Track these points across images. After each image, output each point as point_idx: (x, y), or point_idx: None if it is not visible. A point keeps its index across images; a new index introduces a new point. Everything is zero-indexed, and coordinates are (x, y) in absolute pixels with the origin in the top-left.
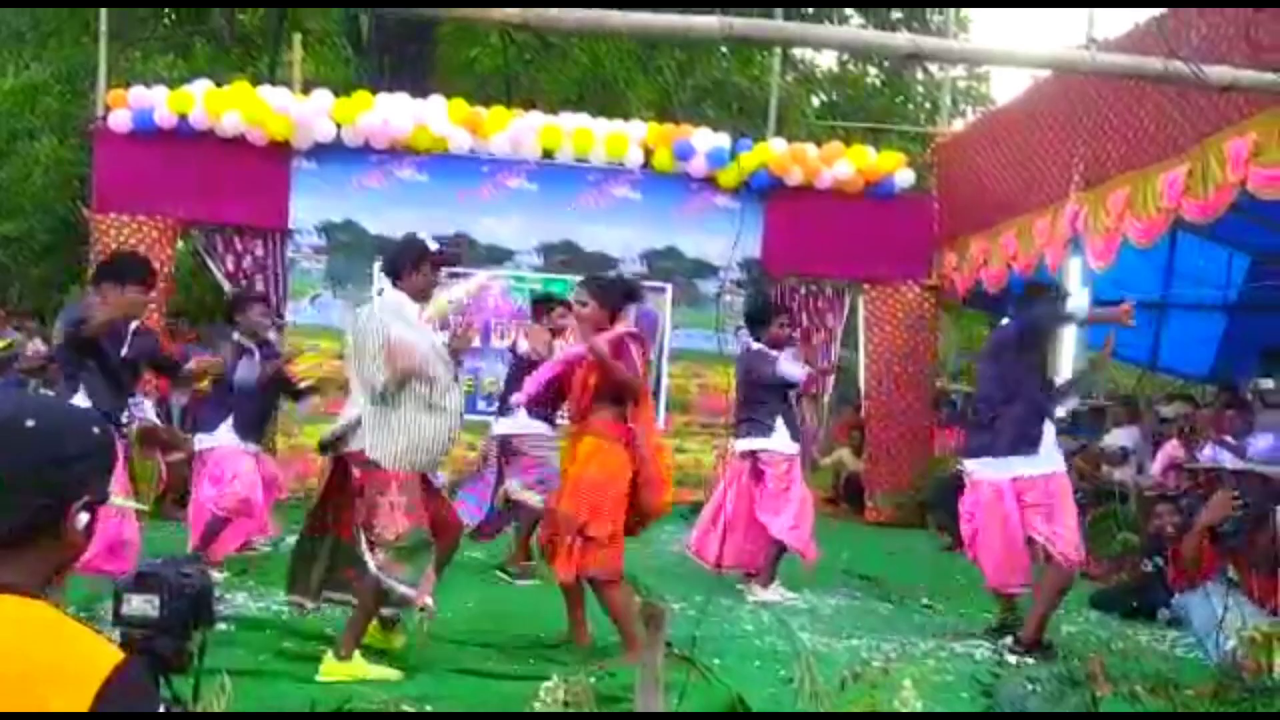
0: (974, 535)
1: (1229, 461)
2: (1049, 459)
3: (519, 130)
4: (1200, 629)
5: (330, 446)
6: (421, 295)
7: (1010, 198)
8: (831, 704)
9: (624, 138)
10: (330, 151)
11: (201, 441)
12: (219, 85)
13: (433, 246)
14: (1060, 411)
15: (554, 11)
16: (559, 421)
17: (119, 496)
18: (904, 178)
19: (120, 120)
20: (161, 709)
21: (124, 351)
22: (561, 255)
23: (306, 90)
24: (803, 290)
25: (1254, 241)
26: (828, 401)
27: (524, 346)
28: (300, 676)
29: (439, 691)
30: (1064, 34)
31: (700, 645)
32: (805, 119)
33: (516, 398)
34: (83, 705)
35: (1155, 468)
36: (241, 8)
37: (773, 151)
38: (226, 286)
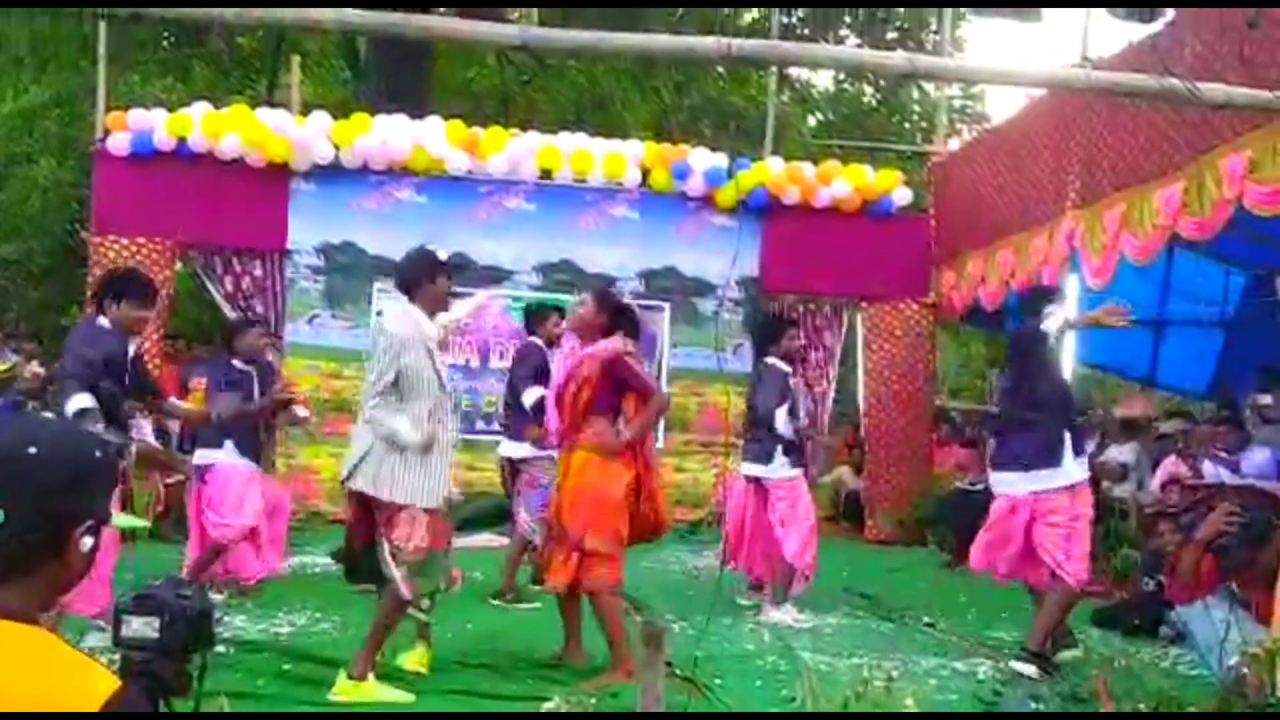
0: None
1: (1228, 477)
2: (1069, 470)
3: (516, 151)
4: (1202, 645)
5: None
6: (437, 307)
7: (1007, 215)
8: None
9: (621, 158)
10: (328, 173)
11: (203, 457)
12: (217, 108)
13: (442, 256)
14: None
15: (553, 33)
16: None
17: (121, 515)
18: (901, 196)
19: (119, 143)
20: None
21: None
22: (560, 275)
23: (305, 112)
24: (800, 309)
25: (1251, 258)
26: (826, 419)
27: (529, 399)
28: (300, 699)
29: (440, 712)
30: (1059, 53)
31: (701, 665)
32: (802, 138)
33: (533, 430)
34: None
35: (1155, 484)
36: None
37: (770, 171)
38: (225, 308)
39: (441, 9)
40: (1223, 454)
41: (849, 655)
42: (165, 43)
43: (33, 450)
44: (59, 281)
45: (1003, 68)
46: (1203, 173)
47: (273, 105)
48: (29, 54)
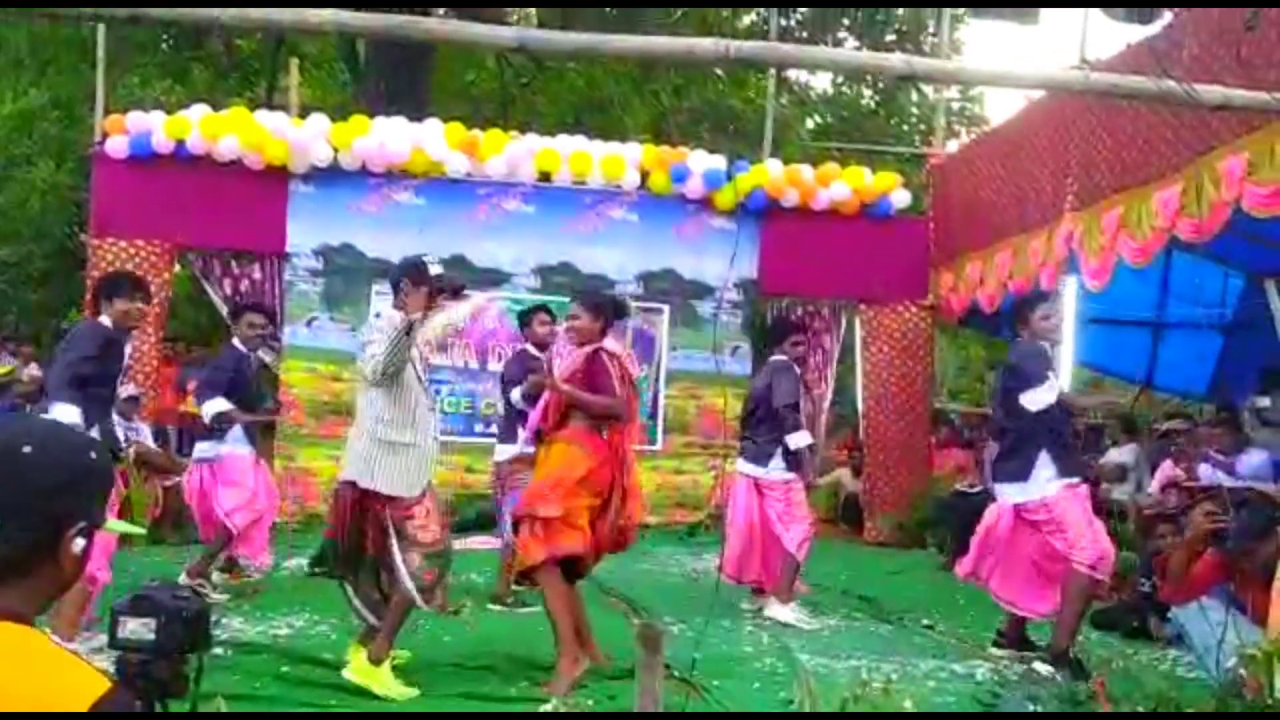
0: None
1: (1224, 479)
2: (1039, 485)
3: (515, 153)
4: (1199, 646)
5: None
6: (416, 311)
7: (1005, 218)
8: None
9: (620, 160)
10: (327, 175)
11: (210, 449)
12: (216, 110)
13: (434, 270)
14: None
15: (551, 34)
16: None
17: (116, 521)
18: (899, 198)
19: (118, 145)
20: None
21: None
22: (559, 277)
23: (303, 115)
24: (799, 311)
25: (1249, 260)
26: (825, 421)
27: (516, 395)
28: (299, 701)
29: (440, 712)
30: (1057, 55)
31: (699, 667)
32: (800, 141)
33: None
34: None
35: (1153, 486)
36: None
37: (768, 173)
38: (224, 310)
39: (442, 10)
40: (1219, 456)
41: (847, 657)
42: (164, 45)
43: (27, 450)
44: (58, 285)
45: (1001, 70)
46: (1201, 175)
47: (271, 108)
48: (28, 56)
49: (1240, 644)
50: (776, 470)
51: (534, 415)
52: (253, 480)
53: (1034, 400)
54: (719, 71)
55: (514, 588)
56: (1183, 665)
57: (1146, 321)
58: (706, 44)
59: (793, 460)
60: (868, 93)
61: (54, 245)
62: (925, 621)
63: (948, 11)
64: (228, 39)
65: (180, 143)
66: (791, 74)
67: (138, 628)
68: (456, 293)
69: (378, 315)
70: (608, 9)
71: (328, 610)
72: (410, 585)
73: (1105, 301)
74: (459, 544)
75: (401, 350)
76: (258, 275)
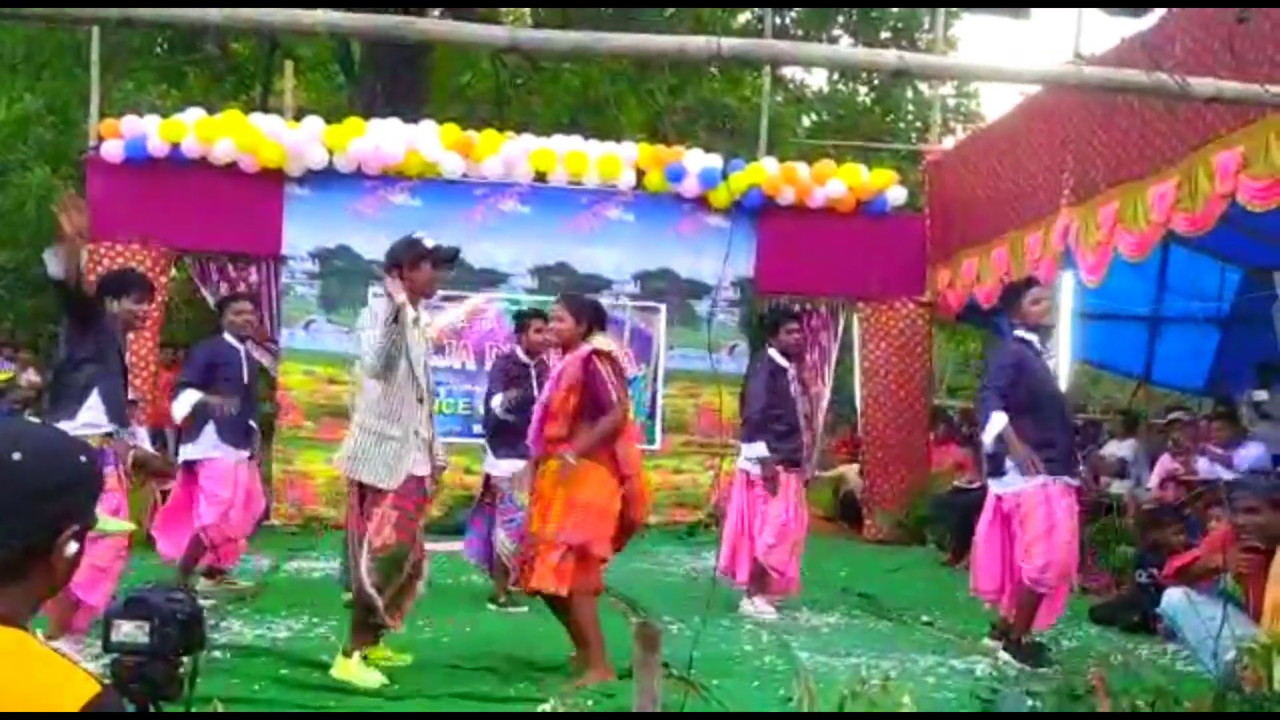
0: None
1: (1222, 473)
2: (1013, 480)
3: (511, 153)
4: (1192, 639)
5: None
6: (421, 293)
7: (1002, 214)
8: None
9: (616, 159)
10: (323, 178)
11: (188, 452)
12: (211, 113)
13: (429, 244)
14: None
15: (543, 34)
16: None
17: (109, 519)
18: (896, 195)
19: (113, 149)
20: None
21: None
22: (555, 278)
23: (298, 117)
24: (796, 309)
25: (1246, 254)
26: (824, 421)
27: (497, 402)
28: (296, 703)
29: (440, 712)
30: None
31: (698, 665)
32: (796, 138)
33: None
34: None
35: (1152, 480)
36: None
37: (765, 171)
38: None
39: (437, 11)
40: (1217, 450)
41: (847, 654)
42: (159, 49)
43: (17, 456)
44: (54, 291)
45: (995, 65)
46: (1196, 169)
47: (267, 111)
48: (22, 61)
49: (1236, 638)
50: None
51: (535, 426)
52: (231, 490)
53: (989, 433)
54: (714, 70)
55: (510, 589)
56: (1181, 659)
57: (1144, 316)
58: (698, 42)
59: (782, 451)
60: (863, 90)
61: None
62: (924, 618)
63: (942, 8)
64: (222, 42)
65: (175, 146)
66: (787, 72)
67: (132, 631)
68: (452, 260)
69: (375, 295)
70: (602, 9)
71: (326, 613)
72: (366, 582)
73: (1102, 296)
74: (446, 547)
75: (393, 337)
76: (254, 278)
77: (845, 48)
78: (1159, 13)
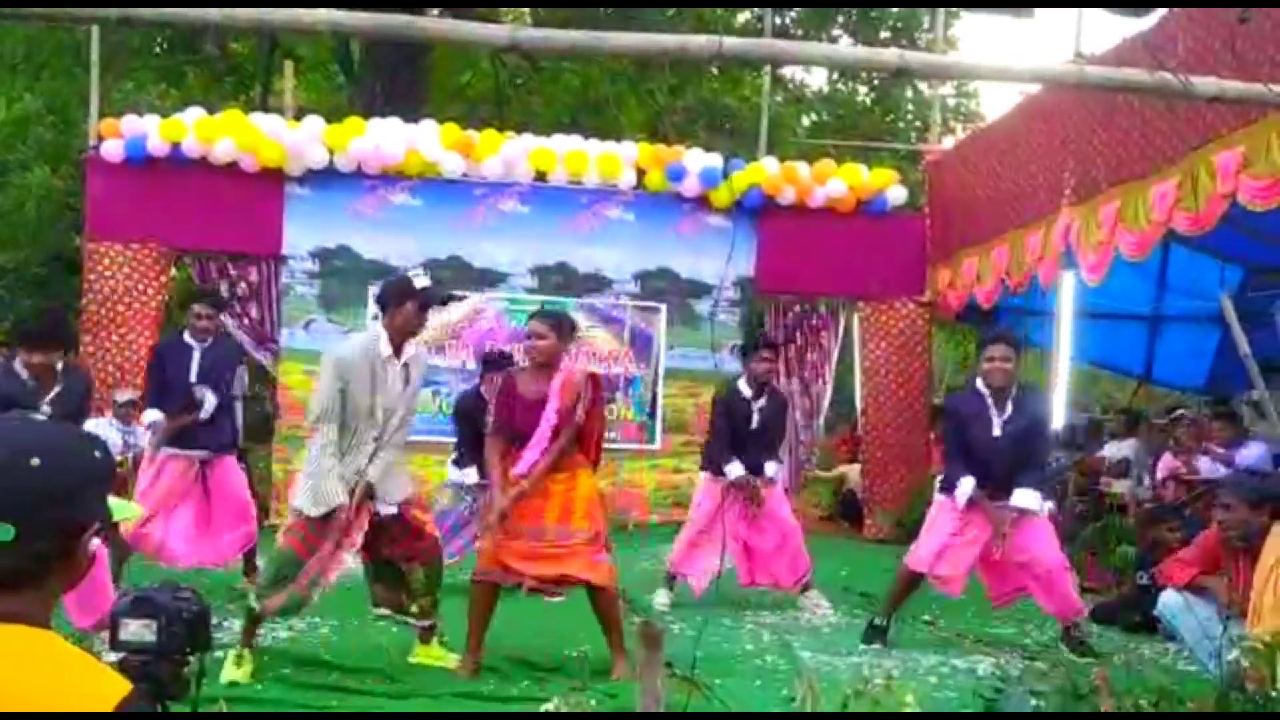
0: None
1: (1224, 472)
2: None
3: (511, 153)
4: (1189, 639)
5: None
6: (402, 333)
7: (1002, 213)
8: None
9: (617, 159)
10: (323, 177)
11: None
12: (211, 113)
13: (420, 284)
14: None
15: (544, 33)
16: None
17: (119, 504)
18: (896, 195)
19: (113, 149)
20: None
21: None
22: (556, 277)
23: (299, 117)
24: (797, 308)
25: (1246, 254)
26: (824, 421)
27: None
28: (299, 703)
29: (440, 712)
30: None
31: (700, 665)
32: (796, 138)
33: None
34: None
35: (1156, 478)
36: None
37: (765, 171)
38: (221, 314)
39: (436, 10)
40: (1218, 450)
41: (849, 654)
42: (158, 49)
43: (35, 462)
44: (54, 290)
45: (996, 64)
46: (1197, 168)
47: (266, 110)
48: (22, 61)
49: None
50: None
51: (537, 448)
52: (149, 483)
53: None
54: (714, 70)
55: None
56: (1183, 659)
57: (1144, 315)
58: (700, 40)
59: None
60: (863, 90)
61: (50, 250)
62: (926, 617)
63: (942, 7)
64: (222, 42)
65: (175, 146)
66: (786, 72)
67: (139, 629)
68: (445, 303)
69: (375, 318)
70: (602, 9)
71: (327, 612)
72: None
73: (1103, 296)
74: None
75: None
76: (254, 278)
77: (847, 47)
78: (1160, 12)
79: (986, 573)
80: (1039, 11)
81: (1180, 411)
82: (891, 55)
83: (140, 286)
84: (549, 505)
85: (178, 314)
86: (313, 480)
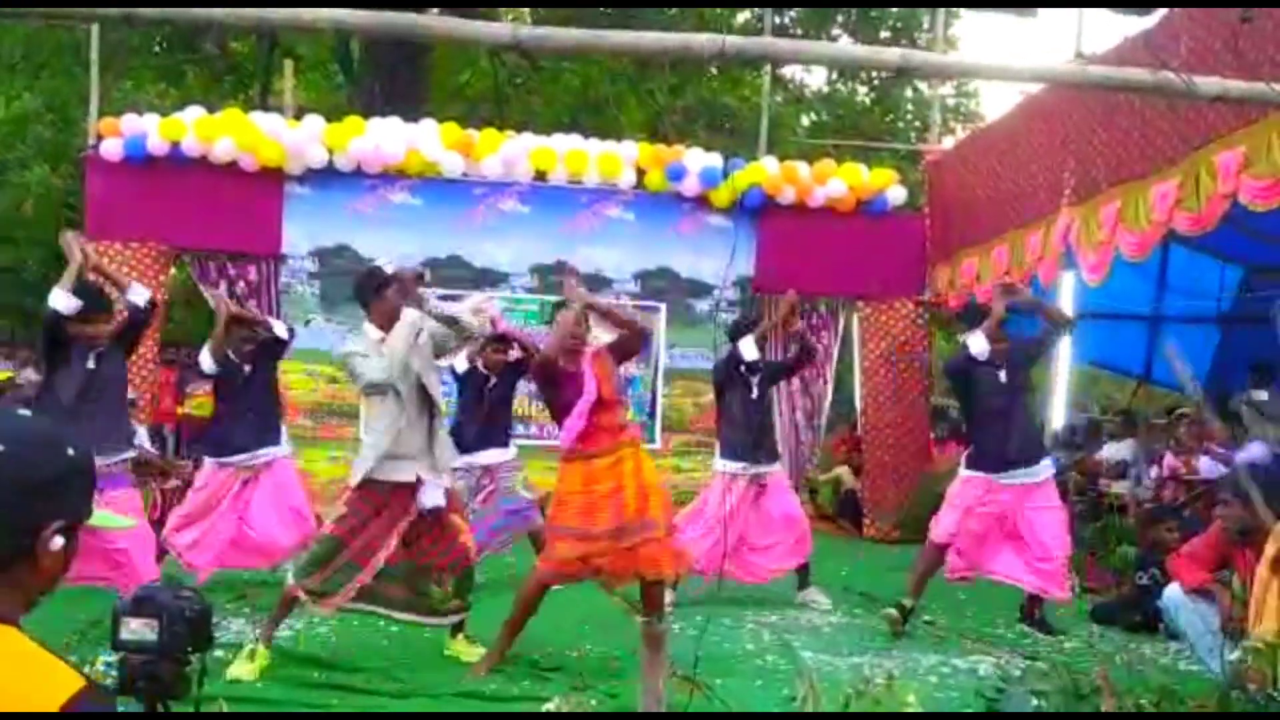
0: None
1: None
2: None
3: (511, 152)
4: (1191, 636)
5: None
6: (389, 319)
7: (1002, 213)
8: None
9: (617, 159)
10: (323, 176)
11: (266, 455)
12: (211, 112)
13: (389, 270)
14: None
15: (545, 31)
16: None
17: (109, 515)
18: (896, 195)
19: (112, 148)
20: None
21: None
22: (555, 277)
23: (298, 116)
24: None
25: (1246, 253)
26: (825, 421)
27: (462, 365)
28: (300, 702)
29: (441, 712)
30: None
31: (702, 665)
32: (796, 138)
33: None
34: None
35: (1155, 476)
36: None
37: (765, 171)
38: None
39: (436, 10)
40: (1218, 450)
41: (849, 654)
42: (158, 48)
43: (0, 449)
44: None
45: (998, 63)
46: (1198, 168)
47: (266, 109)
48: (21, 60)
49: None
50: (717, 462)
51: (578, 424)
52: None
53: None
54: (714, 70)
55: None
56: (1184, 659)
57: (1144, 316)
58: (702, 39)
59: (728, 447)
60: (863, 90)
61: (49, 249)
62: (927, 617)
63: (943, 7)
64: (221, 41)
65: (175, 145)
66: (786, 72)
67: (140, 628)
68: (419, 278)
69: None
70: (602, 9)
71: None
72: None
73: (1103, 296)
74: None
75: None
76: (253, 277)
77: (849, 46)
78: (1161, 11)
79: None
80: (1040, 11)
81: (1179, 411)
82: (894, 54)
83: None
84: (626, 490)
85: (177, 313)
86: (361, 453)
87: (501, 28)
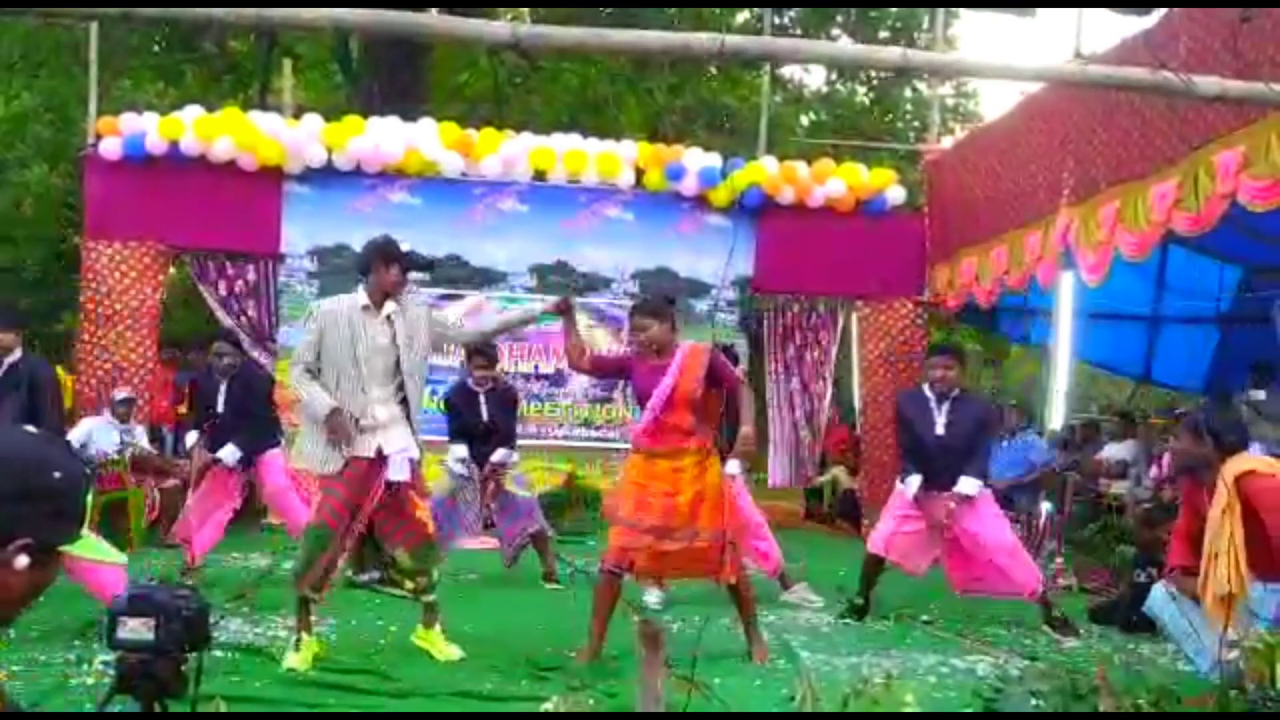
0: None
1: None
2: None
3: (510, 152)
4: (1176, 633)
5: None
6: (382, 294)
7: (1001, 213)
8: None
9: (616, 158)
10: (322, 176)
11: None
12: (210, 111)
13: (405, 248)
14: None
15: (545, 30)
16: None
17: (99, 546)
18: (895, 195)
19: (111, 147)
20: None
21: None
22: (555, 276)
23: (297, 115)
24: (796, 308)
25: (1245, 254)
26: (824, 422)
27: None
28: (298, 702)
29: (439, 712)
30: (1052, 51)
31: (700, 664)
32: (795, 138)
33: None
34: None
35: (1153, 474)
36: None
37: (764, 170)
38: (219, 312)
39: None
40: None
41: (848, 654)
42: (157, 47)
43: None
44: (52, 288)
45: (998, 63)
46: (1197, 168)
47: (265, 109)
48: (20, 59)
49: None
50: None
51: (651, 419)
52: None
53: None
54: (714, 69)
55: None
56: (1182, 659)
57: (1143, 316)
58: (701, 38)
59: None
60: (862, 90)
61: (48, 248)
62: (925, 617)
63: (943, 7)
64: (220, 40)
65: (174, 144)
66: (785, 71)
67: (137, 627)
68: (426, 268)
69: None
70: (602, 9)
71: (325, 610)
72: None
73: (1102, 296)
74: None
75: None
76: (252, 276)
77: (849, 45)
78: (1161, 11)
79: (949, 559)
80: (1040, 11)
81: (1180, 410)
82: (893, 54)
83: (138, 285)
84: (681, 495)
85: (177, 312)
86: (314, 437)
87: (501, 27)
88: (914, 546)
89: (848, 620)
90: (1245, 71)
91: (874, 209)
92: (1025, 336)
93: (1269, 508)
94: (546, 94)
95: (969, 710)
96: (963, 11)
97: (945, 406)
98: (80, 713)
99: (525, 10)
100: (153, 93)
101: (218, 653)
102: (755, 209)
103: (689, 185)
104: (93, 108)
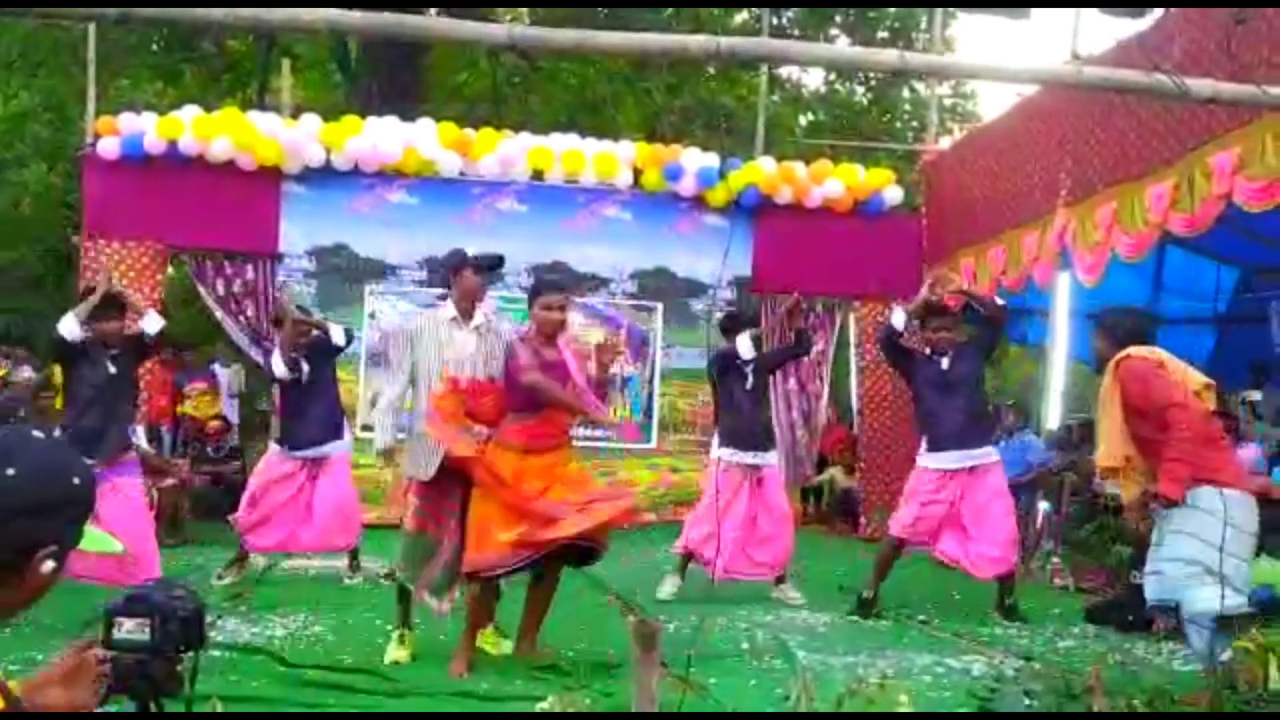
0: None
1: None
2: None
3: (508, 152)
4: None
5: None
6: (466, 299)
7: (999, 214)
8: None
9: (614, 158)
10: (320, 175)
11: (331, 450)
12: (208, 111)
13: (471, 253)
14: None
15: (542, 31)
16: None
17: (100, 536)
18: (893, 195)
19: (109, 147)
20: None
21: None
22: (553, 276)
23: (296, 115)
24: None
25: (1242, 254)
26: (824, 423)
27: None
28: (296, 702)
29: (438, 712)
30: (1048, 53)
31: (695, 664)
32: (793, 138)
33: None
34: None
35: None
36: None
37: (762, 170)
38: (217, 312)
39: (434, 10)
40: None
41: (844, 653)
42: (155, 47)
43: (10, 472)
44: (51, 287)
45: (994, 64)
46: (1193, 169)
47: (263, 108)
48: (19, 59)
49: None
50: (714, 450)
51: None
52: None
53: None
54: (712, 70)
55: None
56: (1179, 658)
57: None
58: (698, 40)
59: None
60: (860, 90)
61: (46, 248)
62: (921, 617)
63: (939, 8)
64: (219, 40)
65: (172, 144)
66: (783, 72)
67: (133, 628)
68: (495, 265)
69: (372, 316)
70: (599, 10)
71: (323, 610)
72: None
73: (1099, 297)
74: None
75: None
76: (250, 276)
77: (846, 46)
78: (1156, 13)
79: (963, 549)
80: (1035, 13)
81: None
82: (891, 55)
83: (137, 284)
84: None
85: (176, 312)
86: (414, 445)
87: (498, 28)
88: (939, 527)
89: (851, 618)
90: (1240, 73)
91: (871, 209)
92: (1023, 337)
93: (1127, 380)
94: (545, 94)
95: (964, 710)
96: (960, 13)
97: (947, 358)
98: (80, 713)
99: (524, 11)
100: (151, 92)
101: (215, 653)
102: (753, 209)
103: (687, 185)
104: (91, 107)
